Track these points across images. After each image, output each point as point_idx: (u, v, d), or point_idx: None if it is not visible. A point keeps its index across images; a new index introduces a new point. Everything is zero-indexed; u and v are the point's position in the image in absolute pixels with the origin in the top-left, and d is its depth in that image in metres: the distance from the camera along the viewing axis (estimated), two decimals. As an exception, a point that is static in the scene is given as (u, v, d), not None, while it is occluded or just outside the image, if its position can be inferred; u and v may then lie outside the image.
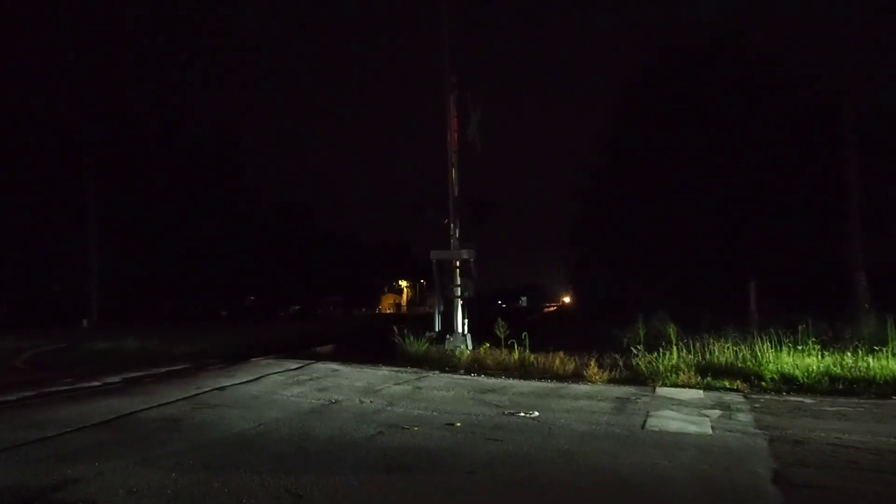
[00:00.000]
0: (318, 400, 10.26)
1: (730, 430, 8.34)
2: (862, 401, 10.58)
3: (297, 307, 73.41)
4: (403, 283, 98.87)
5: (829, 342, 13.46)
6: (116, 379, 12.59)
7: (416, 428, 8.23)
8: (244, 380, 12.14)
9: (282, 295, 70.36)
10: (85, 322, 41.26)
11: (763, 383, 11.85)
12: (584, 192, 31.53)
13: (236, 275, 59.23)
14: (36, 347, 21.39)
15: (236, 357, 16.19)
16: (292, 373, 13.23)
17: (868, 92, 21.86)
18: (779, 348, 12.89)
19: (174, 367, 14.58)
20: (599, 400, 10.54)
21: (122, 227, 47.73)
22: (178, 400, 9.98)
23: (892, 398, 10.72)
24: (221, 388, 11.13)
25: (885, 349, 12.54)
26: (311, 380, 12.36)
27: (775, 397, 11.00)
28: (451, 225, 17.15)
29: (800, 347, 12.90)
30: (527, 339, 14.52)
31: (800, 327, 13.55)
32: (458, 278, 16.80)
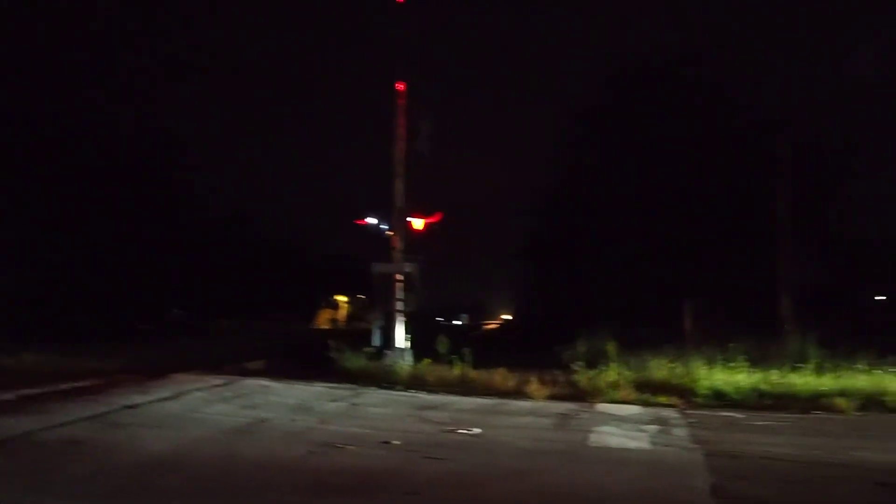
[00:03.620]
0: (246, 418, 9.69)
1: (668, 445, 8.44)
2: (788, 415, 10.95)
3: (228, 321, 71.60)
4: (341, 298, 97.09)
5: (758, 360, 13.84)
6: (10, 396, 11.01)
7: (351, 447, 7.88)
8: (161, 397, 11.18)
9: (212, 308, 68.50)
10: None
11: (697, 399, 12.06)
12: (532, 209, 31.77)
13: (163, 286, 57.16)
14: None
15: (155, 372, 14.57)
16: (217, 389, 12.39)
17: (804, 123, 22.75)
18: (711, 365, 13.20)
19: (81, 384, 12.83)
20: (541, 416, 10.53)
21: (34, 233, 45.07)
22: (82, 419, 9.03)
23: (814, 413, 11.11)
24: (134, 406, 10.21)
25: (807, 366, 13.03)
26: (237, 397, 11.68)
27: (708, 412, 11.22)
28: (395, 237, 16.88)
29: (730, 365, 13.23)
30: (469, 356, 14.40)
31: (730, 345, 13.93)
32: (401, 292, 16.47)
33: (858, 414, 11.02)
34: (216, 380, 13.45)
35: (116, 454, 7.18)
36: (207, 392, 11.97)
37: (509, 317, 75.18)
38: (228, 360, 18.89)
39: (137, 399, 10.78)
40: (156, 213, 55.58)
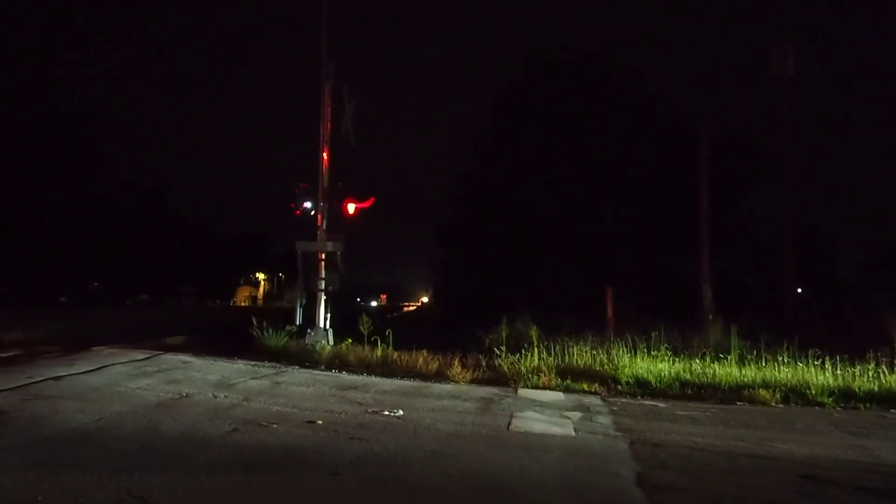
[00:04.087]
0: (168, 393, 9.52)
1: (592, 433, 8.45)
2: (710, 405, 11.12)
3: (146, 296, 69.54)
4: (261, 276, 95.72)
5: (680, 349, 14.08)
6: (-76, 367, 10.91)
7: (275, 425, 7.77)
8: (84, 370, 11.05)
9: (130, 282, 66.39)
10: None
11: (619, 387, 12.22)
12: (453, 193, 31.59)
13: (80, 259, 55.04)
14: None
15: (76, 345, 14.76)
16: (139, 363, 12.22)
17: (725, 117, 23.44)
18: (634, 353, 13.34)
19: (3, 354, 12.93)
20: (464, 400, 10.45)
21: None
22: (4, 390, 8.90)
23: (736, 404, 11.33)
24: (57, 378, 10.08)
25: (728, 357, 13.30)
26: (159, 371, 11.48)
27: (631, 401, 11.35)
28: (320, 216, 16.62)
29: (653, 353, 13.41)
30: (391, 337, 14.26)
31: (653, 334, 14.11)
32: (324, 271, 16.27)
33: (782, 406, 11.32)
34: (138, 354, 13.34)
35: (40, 426, 7.12)
36: (130, 366, 11.86)
37: (427, 299, 75.45)
38: (148, 335, 18.69)
39: (61, 371, 10.71)
40: (74, 185, 53.39)
